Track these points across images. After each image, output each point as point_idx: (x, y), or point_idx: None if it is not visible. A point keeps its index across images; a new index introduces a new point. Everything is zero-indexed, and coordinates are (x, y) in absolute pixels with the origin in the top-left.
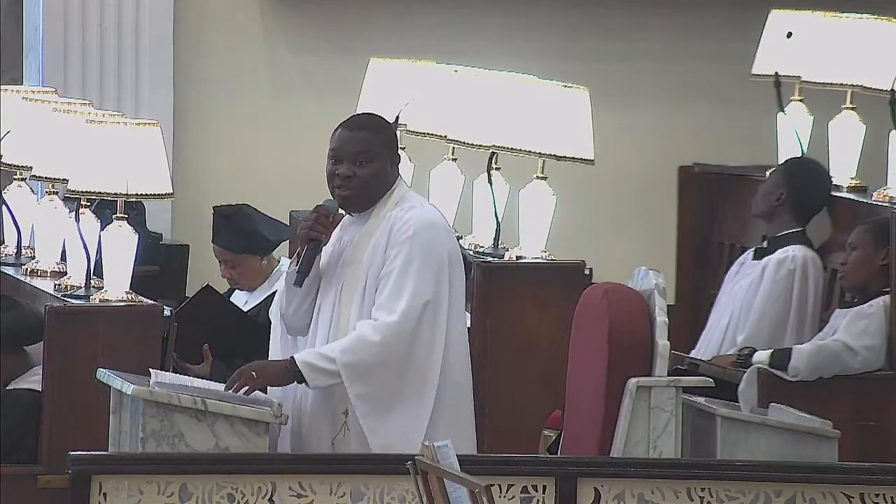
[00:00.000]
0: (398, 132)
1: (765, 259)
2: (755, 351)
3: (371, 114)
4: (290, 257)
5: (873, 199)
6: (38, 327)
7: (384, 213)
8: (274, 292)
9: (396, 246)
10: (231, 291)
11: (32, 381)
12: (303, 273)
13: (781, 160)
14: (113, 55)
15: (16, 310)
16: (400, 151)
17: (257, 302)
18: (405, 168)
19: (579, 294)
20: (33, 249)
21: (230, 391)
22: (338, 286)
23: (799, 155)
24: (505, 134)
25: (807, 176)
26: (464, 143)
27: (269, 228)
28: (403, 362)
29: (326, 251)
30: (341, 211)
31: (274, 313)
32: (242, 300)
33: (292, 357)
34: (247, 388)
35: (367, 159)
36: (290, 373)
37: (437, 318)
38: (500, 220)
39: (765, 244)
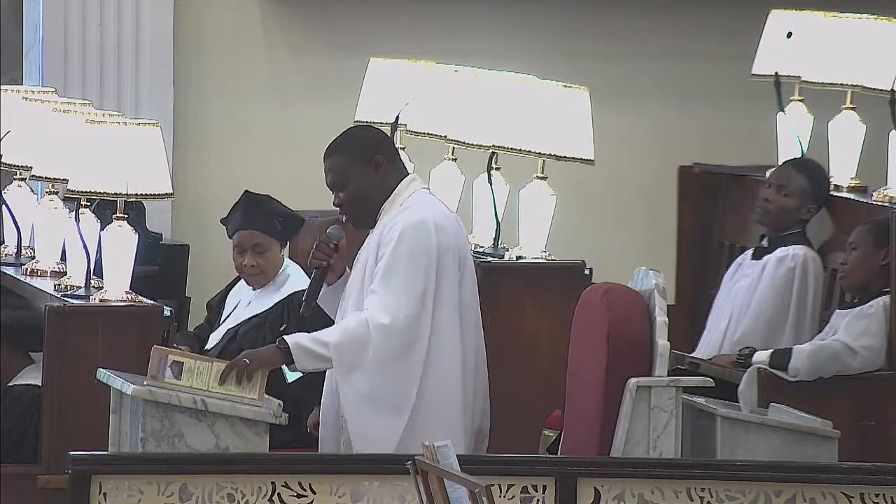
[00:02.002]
0: (398, 132)
1: (764, 258)
2: (755, 351)
3: (343, 134)
4: (290, 258)
5: (873, 199)
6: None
7: (385, 219)
8: (283, 299)
9: (384, 246)
10: (229, 290)
11: (33, 377)
12: (308, 301)
13: (781, 160)
14: (113, 55)
15: (26, 310)
16: (399, 149)
17: (265, 308)
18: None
19: (579, 294)
20: (33, 249)
21: (228, 383)
22: (347, 288)
23: (804, 160)
24: (505, 134)
25: (827, 185)
26: (464, 143)
27: (293, 213)
28: (392, 365)
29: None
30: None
31: None
32: (245, 300)
33: (282, 338)
34: (245, 374)
35: (341, 185)
36: (281, 353)
37: (421, 317)
38: (500, 220)
39: (764, 244)
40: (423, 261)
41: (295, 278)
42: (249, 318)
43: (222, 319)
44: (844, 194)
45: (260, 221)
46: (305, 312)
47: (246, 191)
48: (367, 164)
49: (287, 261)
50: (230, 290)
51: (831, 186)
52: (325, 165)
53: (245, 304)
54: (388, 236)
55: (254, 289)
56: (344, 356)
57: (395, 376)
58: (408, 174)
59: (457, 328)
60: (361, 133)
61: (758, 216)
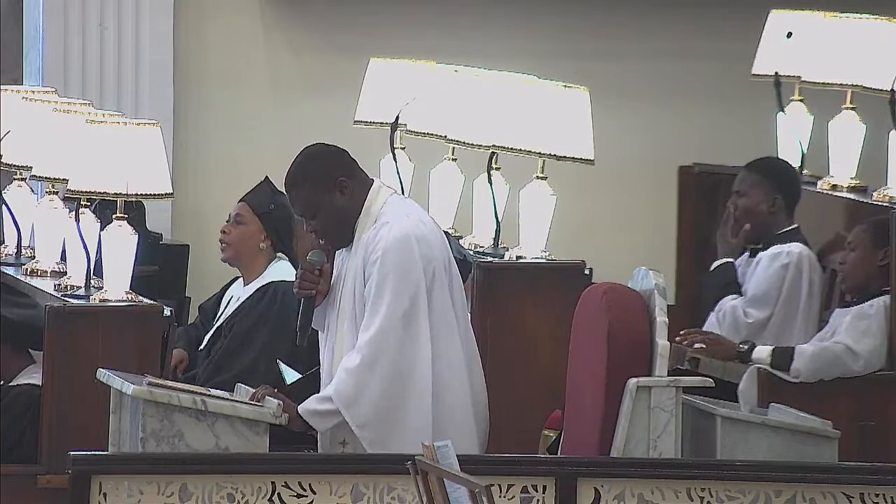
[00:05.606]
0: (398, 132)
1: (759, 255)
2: (755, 346)
3: (298, 161)
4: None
5: (873, 199)
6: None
7: (363, 236)
8: (263, 285)
9: (370, 268)
10: (223, 292)
11: (34, 376)
12: (302, 330)
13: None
14: (113, 55)
15: (32, 308)
16: (399, 152)
17: (247, 296)
18: (405, 168)
19: (579, 294)
20: (33, 249)
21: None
22: (333, 311)
23: (756, 160)
24: (505, 134)
25: (784, 172)
26: (464, 143)
27: (292, 225)
28: (390, 376)
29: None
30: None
31: None
32: (236, 297)
33: (299, 409)
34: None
35: (310, 213)
36: (301, 421)
37: (418, 330)
38: (500, 220)
39: (760, 244)
40: (412, 276)
41: (279, 269)
42: (233, 312)
43: (217, 318)
44: (844, 194)
45: (255, 198)
46: (301, 343)
47: (266, 176)
48: (332, 189)
49: (279, 257)
50: (224, 292)
51: (800, 178)
52: (289, 197)
53: (235, 300)
54: (372, 256)
55: (245, 283)
56: (344, 396)
57: (405, 388)
58: (372, 182)
59: (456, 335)
60: (317, 157)
61: (735, 231)
